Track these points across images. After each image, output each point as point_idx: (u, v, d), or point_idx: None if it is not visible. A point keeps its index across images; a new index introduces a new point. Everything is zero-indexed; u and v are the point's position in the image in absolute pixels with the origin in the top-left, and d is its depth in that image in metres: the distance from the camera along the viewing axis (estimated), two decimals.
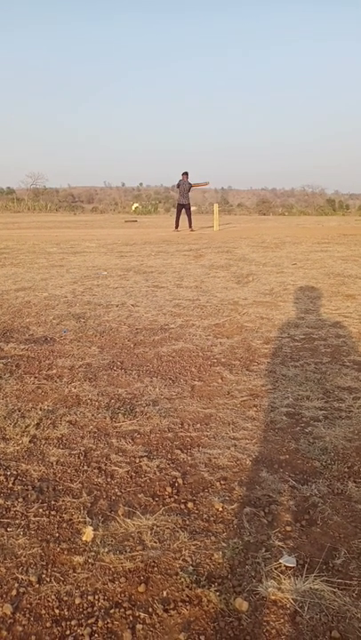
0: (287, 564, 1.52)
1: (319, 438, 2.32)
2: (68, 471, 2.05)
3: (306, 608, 1.36)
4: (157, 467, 2.08)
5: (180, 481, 1.98)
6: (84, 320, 4.46)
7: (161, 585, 1.45)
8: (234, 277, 6.60)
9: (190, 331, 4.12)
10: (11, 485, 1.95)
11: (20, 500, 1.85)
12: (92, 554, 1.57)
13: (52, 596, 1.41)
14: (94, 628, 1.31)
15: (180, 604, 1.38)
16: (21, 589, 1.43)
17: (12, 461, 2.12)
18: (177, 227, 14.70)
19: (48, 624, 1.32)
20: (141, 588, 1.43)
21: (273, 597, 1.40)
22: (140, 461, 2.12)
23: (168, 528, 1.70)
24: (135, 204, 32.62)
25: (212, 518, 1.75)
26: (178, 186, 14.71)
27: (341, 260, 8.11)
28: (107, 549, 1.59)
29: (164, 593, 1.42)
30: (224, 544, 1.61)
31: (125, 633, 1.29)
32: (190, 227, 14.74)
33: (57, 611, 1.36)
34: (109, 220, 22.95)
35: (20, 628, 1.31)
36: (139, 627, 1.31)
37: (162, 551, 1.59)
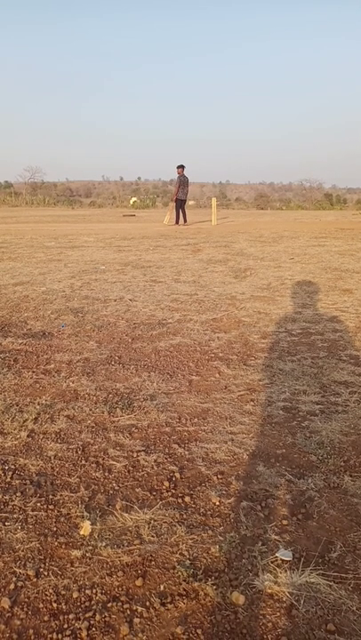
0: (284, 558, 1.53)
1: (316, 432, 2.33)
2: (66, 465, 2.06)
3: (302, 601, 1.37)
4: (155, 461, 2.09)
5: (177, 475, 1.99)
6: (82, 315, 4.45)
7: (158, 579, 1.46)
8: (232, 272, 6.59)
9: (188, 325, 4.12)
10: (9, 480, 1.95)
11: (18, 494, 1.86)
12: (90, 548, 1.58)
13: (50, 590, 1.41)
14: (92, 622, 1.31)
15: (177, 597, 1.39)
16: (19, 583, 1.44)
17: (10, 456, 2.12)
18: (178, 221, 14.72)
19: (46, 618, 1.33)
20: (139, 582, 1.44)
21: (269, 591, 1.41)
22: (138, 456, 2.13)
23: (165, 522, 1.70)
24: (133, 199, 32.48)
25: (209, 512, 1.76)
26: (181, 181, 14.51)
27: (339, 254, 8.10)
28: (104, 543, 1.60)
29: (162, 587, 1.43)
30: (221, 538, 1.62)
31: (123, 627, 1.30)
32: (185, 221, 14.79)
33: (55, 604, 1.37)
34: (107, 214, 22.86)
35: (18, 622, 1.32)
36: (136, 620, 1.32)
37: (159, 545, 1.59)
